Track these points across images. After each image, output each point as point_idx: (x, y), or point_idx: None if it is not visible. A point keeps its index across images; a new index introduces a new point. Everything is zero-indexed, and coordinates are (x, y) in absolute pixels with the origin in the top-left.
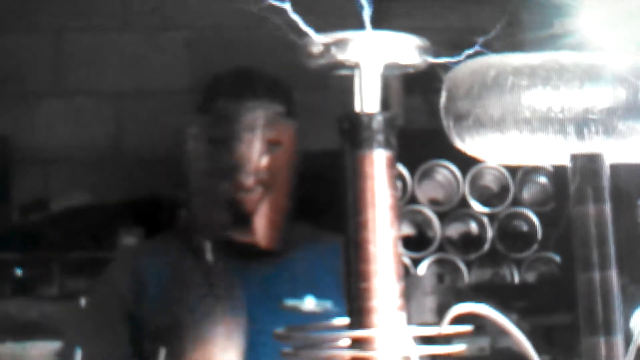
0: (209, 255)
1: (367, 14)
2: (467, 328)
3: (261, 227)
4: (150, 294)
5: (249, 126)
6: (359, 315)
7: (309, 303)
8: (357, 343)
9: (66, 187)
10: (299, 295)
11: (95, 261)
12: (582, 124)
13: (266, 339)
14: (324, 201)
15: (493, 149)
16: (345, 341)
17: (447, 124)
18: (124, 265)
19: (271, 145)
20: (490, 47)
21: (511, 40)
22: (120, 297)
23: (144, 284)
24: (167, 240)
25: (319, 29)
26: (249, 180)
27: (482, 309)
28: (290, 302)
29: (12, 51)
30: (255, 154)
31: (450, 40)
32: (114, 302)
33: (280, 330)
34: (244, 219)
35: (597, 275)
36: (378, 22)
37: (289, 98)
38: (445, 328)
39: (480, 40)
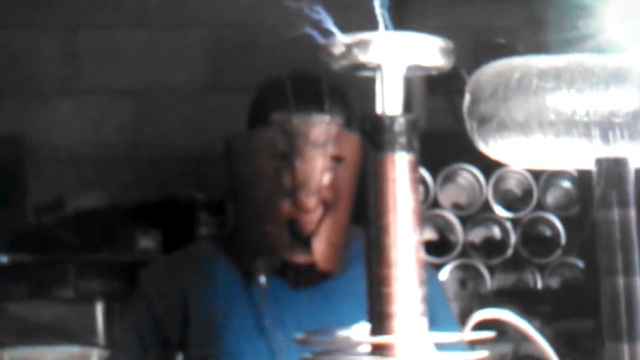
0: (262, 278)
1: (385, 16)
2: (489, 334)
3: (321, 248)
4: (192, 320)
5: (313, 142)
6: (379, 320)
7: (361, 329)
8: (378, 349)
9: (82, 187)
10: (355, 318)
11: (111, 263)
12: (607, 127)
13: None
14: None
15: (517, 152)
16: (365, 347)
17: (471, 126)
18: (162, 286)
19: (334, 162)
20: (514, 48)
21: (535, 41)
22: (158, 324)
23: (187, 309)
24: (210, 255)
25: (344, 29)
26: (311, 201)
27: (504, 314)
28: (342, 332)
29: (26, 49)
30: (319, 172)
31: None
32: (150, 329)
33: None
34: (303, 241)
35: (621, 281)
36: (400, 22)
37: (350, 107)
38: (467, 334)
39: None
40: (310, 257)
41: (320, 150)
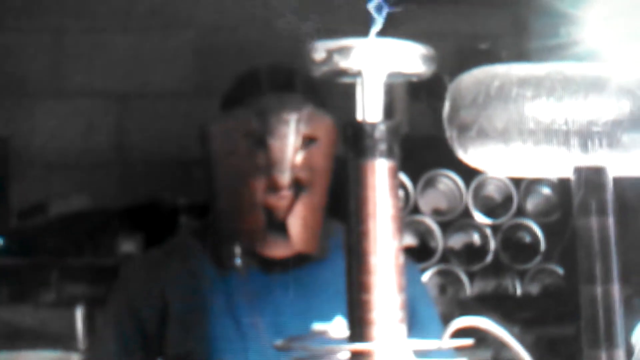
0: (237, 261)
1: (378, 23)
2: (468, 341)
3: (297, 229)
4: (171, 313)
5: (285, 120)
6: (359, 327)
7: (338, 325)
8: (357, 355)
9: (66, 191)
10: (334, 306)
11: (93, 268)
12: (586, 136)
13: None
14: (330, 209)
15: (496, 160)
16: (345, 353)
17: (450, 134)
18: (141, 278)
19: (308, 141)
20: (497, 55)
21: (519, 47)
22: (137, 317)
23: (166, 301)
24: (189, 248)
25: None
26: (284, 178)
27: (483, 322)
28: (318, 326)
29: (12, 52)
30: (292, 150)
31: (456, 45)
32: (129, 322)
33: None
34: (279, 226)
35: (599, 289)
36: (382, 28)
37: (322, 96)
38: (447, 341)
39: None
40: (287, 242)
41: (293, 128)
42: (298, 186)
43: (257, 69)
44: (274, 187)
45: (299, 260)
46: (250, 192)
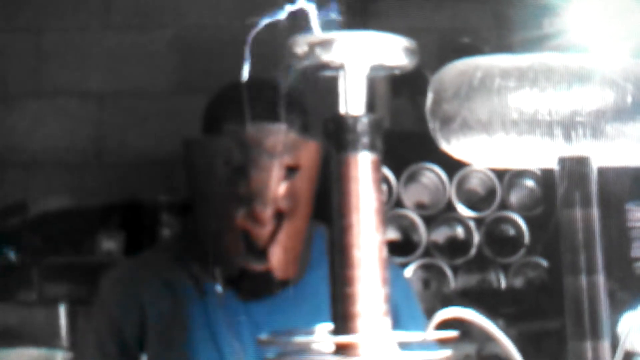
0: (218, 287)
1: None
2: (452, 334)
3: (277, 258)
4: (150, 328)
5: (268, 152)
6: (343, 320)
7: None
8: (341, 349)
9: (46, 190)
10: (314, 322)
11: (75, 266)
12: (569, 126)
13: None
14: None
15: (480, 151)
16: (329, 347)
17: (434, 126)
18: (121, 293)
19: (290, 171)
20: (479, 49)
21: (501, 41)
22: (118, 334)
23: (145, 316)
24: (166, 262)
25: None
26: (266, 212)
27: (468, 314)
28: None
29: None
30: (274, 182)
31: (438, 40)
32: (110, 339)
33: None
34: (258, 252)
35: (584, 280)
36: (364, 23)
37: (306, 113)
38: (431, 333)
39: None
40: (266, 269)
41: (276, 160)
42: (280, 216)
43: (237, 89)
44: (255, 219)
45: (277, 286)
46: (230, 219)
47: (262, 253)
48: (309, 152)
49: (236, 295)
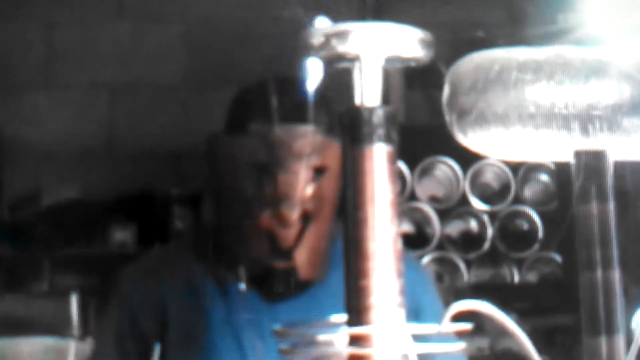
0: (242, 286)
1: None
2: (466, 326)
3: (302, 259)
4: (170, 324)
5: (296, 154)
6: (357, 312)
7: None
8: (355, 340)
9: (57, 181)
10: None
11: (86, 257)
12: (586, 120)
13: None
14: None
15: (496, 144)
16: (343, 339)
17: (450, 119)
18: (141, 288)
19: (317, 172)
20: (494, 43)
21: (516, 35)
22: (136, 328)
23: (165, 312)
24: (186, 258)
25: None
26: (293, 214)
27: (483, 306)
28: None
29: (2, 43)
30: (302, 184)
31: (452, 35)
32: (129, 333)
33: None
34: (283, 253)
35: (599, 275)
36: (379, 17)
37: (332, 111)
38: (445, 326)
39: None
40: (290, 270)
41: (304, 162)
42: (306, 217)
43: (264, 89)
44: (281, 220)
45: (301, 286)
46: (256, 220)
47: (287, 254)
48: (335, 153)
49: (259, 295)
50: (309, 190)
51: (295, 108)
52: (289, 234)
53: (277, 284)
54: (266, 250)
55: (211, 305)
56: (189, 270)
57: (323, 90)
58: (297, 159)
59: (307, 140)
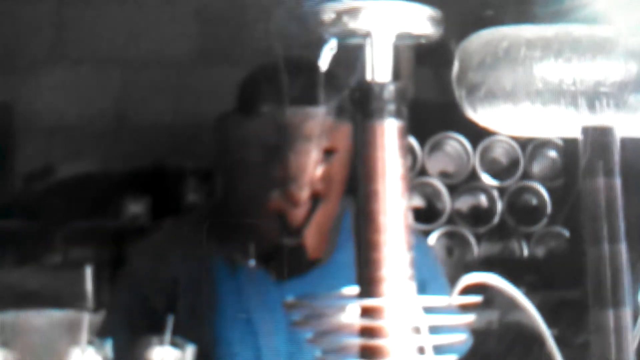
0: (252, 262)
1: None
2: (476, 299)
3: (311, 237)
4: (181, 301)
5: (306, 136)
6: (368, 284)
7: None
8: (367, 312)
9: (70, 155)
10: None
11: (100, 230)
12: (593, 96)
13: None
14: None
15: (505, 120)
16: (354, 310)
17: (460, 94)
18: (152, 265)
19: (326, 154)
20: (502, 21)
21: (523, 13)
22: (146, 305)
23: (175, 289)
24: (197, 235)
25: None
26: (303, 194)
27: (493, 279)
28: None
29: (15, 18)
30: (311, 165)
31: (461, 12)
32: (138, 309)
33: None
34: (292, 232)
35: (606, 249)
36: None
37: (340, 94)
38: (455, 298)
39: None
40: (299, 249)
41: (314, 143)
42: (315, 198)
43: (274, 69)
44: (290, 201)
45: (309, 264)
46: (266, 200)
47: (296, 233)
48: (344, 135)
49: (268, 274)
50: (319, 171)
51: (306, 90)
52: (298, 214)
53: (286, 262)
54: (276, 230)
55: (220, 282)
56: (199, 248)
57: (333, 72)
58: (307, 141)
59: (317, 122)
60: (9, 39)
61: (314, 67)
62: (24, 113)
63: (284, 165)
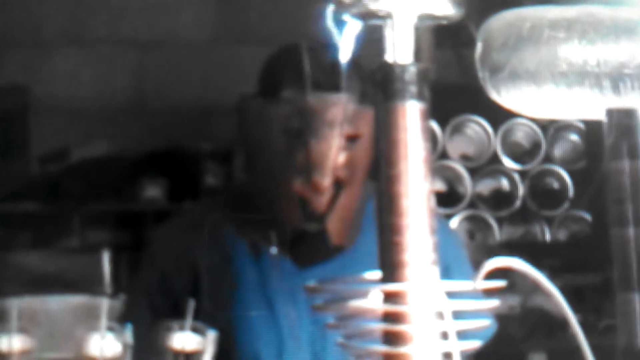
0: (274, 249)
1: None
2: (500, 283)
3: (334, 225)
4: (202, 285)
5: (329, 122)
6: (391, 268)
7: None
8: (389, 297)
9: (86, 137)
10: None
11: (117, 213)
12: (617, 78)
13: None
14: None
15: (529, 102)
16: (377, 295)
17: (483, 75)
18: (173, 249)
19: (349, 141)
20: (521, 4)
21: None
22: (168, 289)
23: (196, 273)
24: (219, 220)
25: None
26: (325, 181)
27: (517, 264)
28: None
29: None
30: (334, 152)
31: None
32: (160, 294)
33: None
34: (315, 218)
35: (631, 231)
36: None
37: (363, 80)
38: (479, 283)
39: None
40: (322, 235)
41: (336, 130)
42: (338, 184)
43: (298, 54)
44: (313, 188)
45: (332, 251)
46: (288, 186)
47: (319, 219)
48: (367, 121)
49: (291, 260)
50: (342, 158)
51: (329, 75)
52: (321, 200)
53: (309, 249)
54: (298, 216)
55: (242, 268)
56: (221, 233)
57: (356, 58)
58: (330, 127)
59: (340, 108)
60: (25, 21)
61: (337, 52)
62: (40, 95)
63: (306, 152)
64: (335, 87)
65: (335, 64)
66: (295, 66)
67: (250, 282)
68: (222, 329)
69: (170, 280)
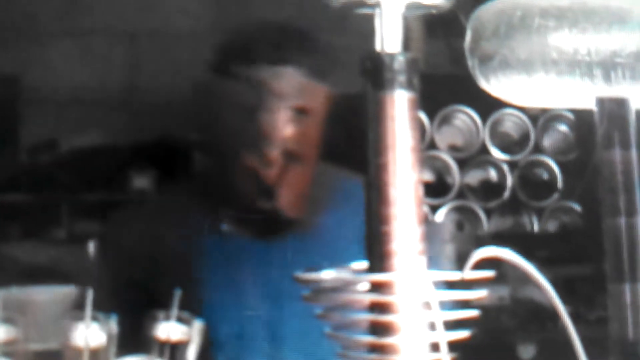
0: (224, 226)
1: None
2: (489, 274)
3: (286, 197)
4: (163, 263)
5: (277, 95)
6: (378, 258)
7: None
8: (377, 287)
9: (76, 128)
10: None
11: (106, 204)
12: (609, 67)
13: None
14: (343, 146)
15: (519, 90)
16: (364, 285)
17: (472, 64)
18: (133, 229)
19: (299, 114)
20: None
21: None
22: (128, 265)
23: (157, 251)
24: (180, 200)
25: None
26: (274, 153)
27: (506, 254)
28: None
29: None
30: (282, 124)
31: None
32: (124, 268)
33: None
34: (267, 191)
35: (623, 222)
36: None
37: (320, 57)
38: (468, 273)
39: None
40: (274, 204)
41: (284, 102)
42: (289, 157)
43: (240, 34)
44: (263, 160)
45: (287, 225)
46: (240, 160)
47: (270, 192)
48: (317, 96)
49: (252, 237)
50: (290, 130)
51: (277, 50)
52: (271, 173)
53: (264, 222)
54: (253, 190)
55: (204, 245)
56: (183, 210)
57: (309, 33)
58: (279, 100)
59: (288, 81)
60: (18, 11)
61: (286, 28)
62: (31, 85)
63: (256, 124)
64: (282, 60)
65: (284, 38)
66: (242, 42)
67: (212, 258)
68: (186, 309)
69: (131, 261)
